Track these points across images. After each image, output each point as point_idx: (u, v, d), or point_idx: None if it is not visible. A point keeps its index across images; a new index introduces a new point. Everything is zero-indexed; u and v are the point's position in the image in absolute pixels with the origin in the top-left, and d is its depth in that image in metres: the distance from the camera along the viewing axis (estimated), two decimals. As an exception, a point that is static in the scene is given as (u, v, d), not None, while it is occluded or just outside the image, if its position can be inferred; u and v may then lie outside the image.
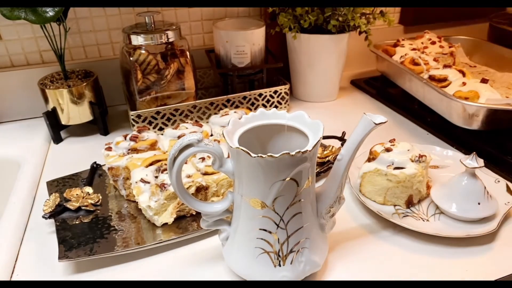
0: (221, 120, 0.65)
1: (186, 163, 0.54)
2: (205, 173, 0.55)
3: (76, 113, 0.73)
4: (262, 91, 0.78)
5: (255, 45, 0.78)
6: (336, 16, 0.78)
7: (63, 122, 0.73)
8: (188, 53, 0.73)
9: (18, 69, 0.79)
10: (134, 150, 0.59)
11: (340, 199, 0.43)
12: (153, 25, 0.71)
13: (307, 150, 0.36)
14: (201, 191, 0.53)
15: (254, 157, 0.36)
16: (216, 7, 0.86)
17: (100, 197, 0.56)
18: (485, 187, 0.52)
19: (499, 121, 0.65)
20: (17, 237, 0.52)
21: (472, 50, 0.98)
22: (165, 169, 0.54)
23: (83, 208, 0.54)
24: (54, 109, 0.72)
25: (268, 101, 0.80)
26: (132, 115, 0.71)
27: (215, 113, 0.75)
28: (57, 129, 0.74)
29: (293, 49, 0.84)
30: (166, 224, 0.52)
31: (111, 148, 0.60)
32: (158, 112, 0.73)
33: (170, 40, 0.71)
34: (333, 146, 0.66)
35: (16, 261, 0.49)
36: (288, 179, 0.38)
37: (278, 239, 0.41)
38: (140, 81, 0.71)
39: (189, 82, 0.75)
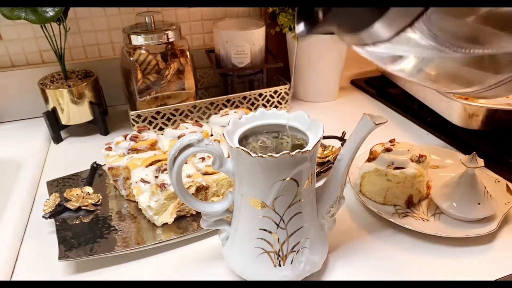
0: (221, 120, 0.65)
1: (186, 163, 0.54)
2: (205, 173, 0.55)
3: (76, 113, 0.73)
4: (262, 91, 0.78)
5: (255, 45, 0.78)
6: (336, 16, 0.77)
7: (63, 122, 0.73)
8: (188, 53, 0.73)
9: (18, 69, 0.79)
10: (134, 150, 0.59)
11: (340, 199, 0.43)
12: (153, 25, 0.71)
13: (307, 150, 0.36)
14: (201, 191, 0.53)
15: (254, 157, 0.36)
16: (216, 7, 0.86)
17: (100, 197, 0.56)
18: (485, 187, 0.52)
19: (499, 121, 0.65)
20: (17, 237, 0.52)
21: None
22: (165, 169, 0.54)
23: (83, 208, 0.54)
24: (54, 109, 0.72)
25: (268, 101, 0.80)
26: (132, 115, 0.71)
27: (215, 113, 0.74)
28: (57, 129, 0.74)
29: (293, 49, 0.84)
30: (166, 224, 0.52)
31: (111, 148, 0.60)
32: (158, 112, 0.73)
33: (170, 40, 0.71)
34: (333, 146, 0.66)
35: (16, 261, 0.49)
36: (288, 179, 0.38)
37: (278, 239, 0.41)
38: (140, 81, 0.71)
39: (189, 82, 0.75)
